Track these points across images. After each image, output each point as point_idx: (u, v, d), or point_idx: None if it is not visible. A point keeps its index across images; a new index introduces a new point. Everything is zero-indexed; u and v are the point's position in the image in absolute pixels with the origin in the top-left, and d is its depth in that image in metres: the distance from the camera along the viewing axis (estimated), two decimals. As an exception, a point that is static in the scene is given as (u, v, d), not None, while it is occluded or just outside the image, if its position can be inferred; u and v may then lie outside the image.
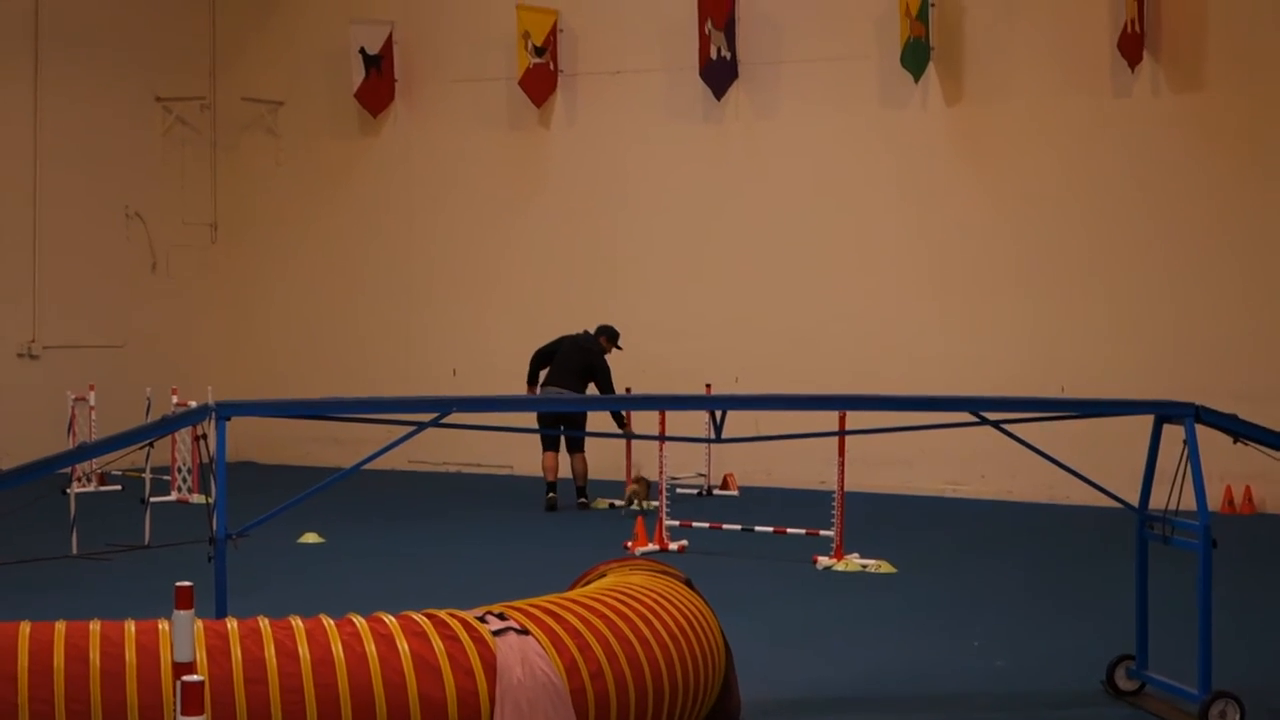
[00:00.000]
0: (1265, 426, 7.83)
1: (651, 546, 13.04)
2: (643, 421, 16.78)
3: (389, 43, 20.31)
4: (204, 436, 7.31)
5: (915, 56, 17.30)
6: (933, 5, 17.26)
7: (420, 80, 20.40)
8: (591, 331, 16.38)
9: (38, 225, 19.42)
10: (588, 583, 7.24)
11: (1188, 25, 16.65)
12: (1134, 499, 7.99)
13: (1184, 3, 16.64)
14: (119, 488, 17.15)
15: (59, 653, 5.58)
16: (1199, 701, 7.33)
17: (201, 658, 5.62)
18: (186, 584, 4.47)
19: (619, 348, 16.39)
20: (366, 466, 7.88)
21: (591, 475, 16.38)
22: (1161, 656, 7.98)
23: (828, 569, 12.18)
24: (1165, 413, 7.74)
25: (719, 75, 18.55)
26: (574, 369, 15.93)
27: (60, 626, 5.72)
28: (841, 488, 12.51)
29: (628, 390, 16.41)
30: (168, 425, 7.62)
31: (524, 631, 6.10)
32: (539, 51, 19.33)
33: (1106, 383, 15.77)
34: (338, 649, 5.81)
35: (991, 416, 7.93)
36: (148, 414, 16.12)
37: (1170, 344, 16.54)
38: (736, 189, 18.66)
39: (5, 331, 19.08)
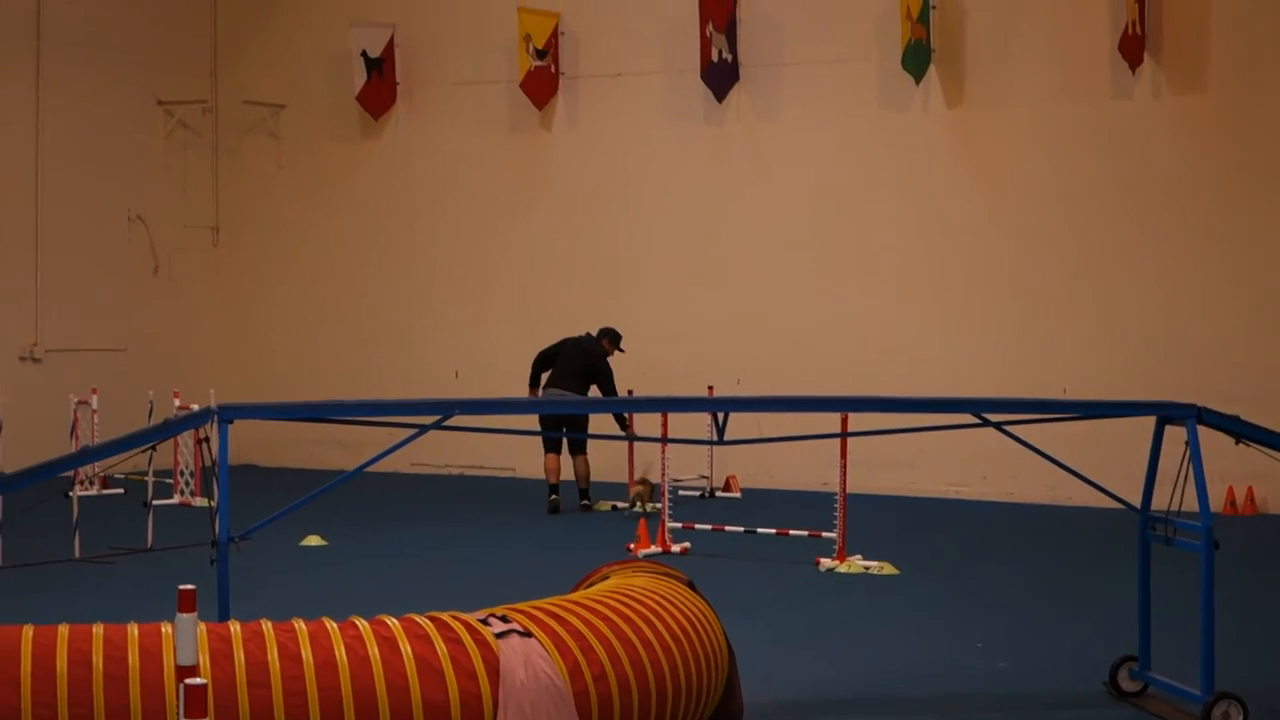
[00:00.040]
0: (1267, 428, 7.83)
1: (654, 549, 13.04)
2: (645, 423, 16.79)
3: (390, 45, 20.32)
4: (206, 439, 7.32)
5: (916, 59, 17.29)
6: (934, 7, 17.26)
7: (422, 83, 20.41)
8: (594, 334, 16.38)
9: (40, 228, 19.43)
10: (590, 585, 7.24)
11: (1189, 27, 16.64)
12: (1136, 500, 7.98)
13: (1185, 5, 16.64)
14: (121, 491, 17.17)
15: (62, 656, 5.58)
16: (1202, 703, 7.33)
17: (204, 661, 5.62)
18: (189, 587, 4.48)
19: (621, 350, 16.40)
20: (369, 469, 7.88)
21: (594, 477, 16.38)
22: (1164, 657, 7.98)
23: (830, 571, 12.18)
24: (1167, 414, 7.74)
25: (720, 77, 18.56)
26: (576, 371, 15.93)
27: (63, 630, 5.73)
28: (844, 489, 12.51)
29: (630, 392, 16.42)
30: (170, 428, 7.63)
31: (527, 634, 6.10)
32: (540, 54, 19.34)
33: (1108, 385, 15.75)
34: (340, 652, 5.82)
35: (993, 418, 7.93)
36: (150, 417, 16.12)
37: (1170, 347, 16.53)
38: (738, 191, 18.66)
39: (7, 334, 19.08)
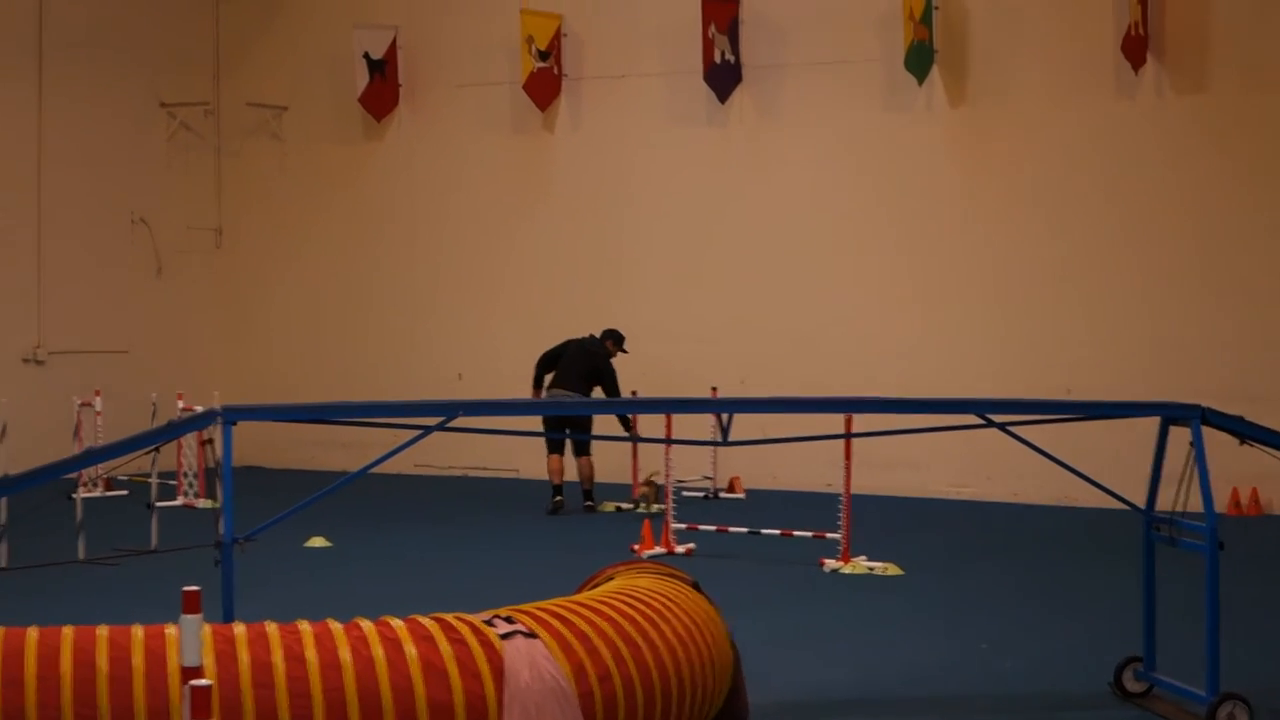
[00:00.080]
0: (1271, 428, 7.82)
1: (658, 549, 13.04)
2: (649, 424, 16.78)
3: (393, 47, 20.32)
4: (210, 441, 7.33)
5: (919, 59, 17.29)
6: (936, 8, 17.25)
7: (424, 85, 20.41)
8: (597, 335, 16.39)
9: (42, 230, 19.44)
10: (595, 586, 7.24)
11: (1192, 28, 16.63)
12: (1140, 501, 7.98)
13: (1188, 6, 16.63)
14: (125, 493, 17.16)
15: (66, 657, 5.58)
16: (1207, 703, 7.32)
17: (209, 662, 5.62)
18: (194, 588, 4.48)
19: (624, 351, 16.40)
20: (373, 471, 7.88)
21: (598, 478, 16.38)
22: (1169, 658, 7.97)
23: (835, 571, 12.18)
24: (1172, 414, 7.74)
25: (723, 79, 18.56)
26: (580, 372, 15.94)
27: (68, 631, 5.73)
28: (848, 490, 12.51)
29: (634, 393, 16.42)
30: (174, 430, 7.64)
31: (531, 635, 6.10)
32: (543, 56, 19.34)
33: (1113, 385, 15.74)
34: (345, 653, 5.82)
35: (998, 419, 7.92)
36: (153, 419, 16.13)
37: (1175, 347, 16.51)
38: (741, 192, 18.66)
39: (11, 337, 19.09)
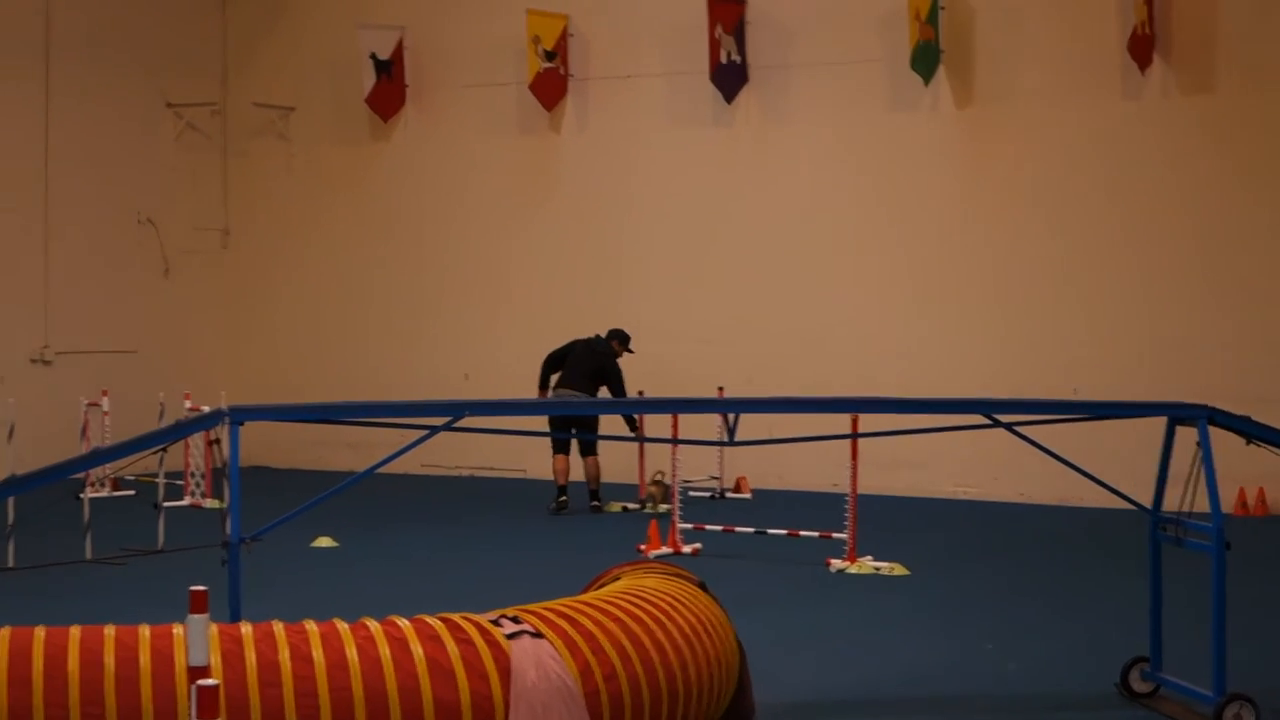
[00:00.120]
0: (1278, 428, 7.82)
1: (665, 549, 13.04)
2: (655, 424, 16.79)
3: (399, 48, 20.33)
4: (217, 441, 7.34)
5: (925, 59, 17.28)
6: (942, 8, 17.24)
7: (431, 85, 20.43)
8: (603, 335, 16.39)
9: (49, 231, 19.46)
10: (601, 586, 7.24)
11: (1198, 28, 16.62)
12: (1147, 501, 7.98)
13: (1195, 6, 16.61)
14: (132, 493, 17.19)
15: (74, 657, 5.59)
16: (1214, 703, 7.32)
17: (216, 661, 5.62)
18: (201, 588, 4.48)
19: (630, 351, 16.40)
20: (379, 471, 7.88)
21: (604, 478, 16.38)
22: (1176, 659, 7.97)
23: (841, 571, 12.18)
24: (1178, 415, 7.73)
25: (729, 79, 18.56)
26: (585, 372, 15.95)
27: (75, 631, 5.73)
28: (854, 490, 12.50)
29: (640, 393, 16.42)
30: (181, 430, 7.65)
31: (538, 635, 6.10)
32: (549, 56, 19.35)
33: (1115, 386, 15.73)
34: (352, 652, 5.82)
35: (1004, 418, 7.92)
36: (160, 419, 16.14)
37: (1181, 348, 16.50)
38: (747, 192, 18.66)
39: (18, 337, 19.11)
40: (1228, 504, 14.59)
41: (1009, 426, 7.90)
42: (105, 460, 11.99)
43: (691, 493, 16.44)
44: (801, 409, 9.78)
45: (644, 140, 19.18)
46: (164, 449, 7.94)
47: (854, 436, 10.87)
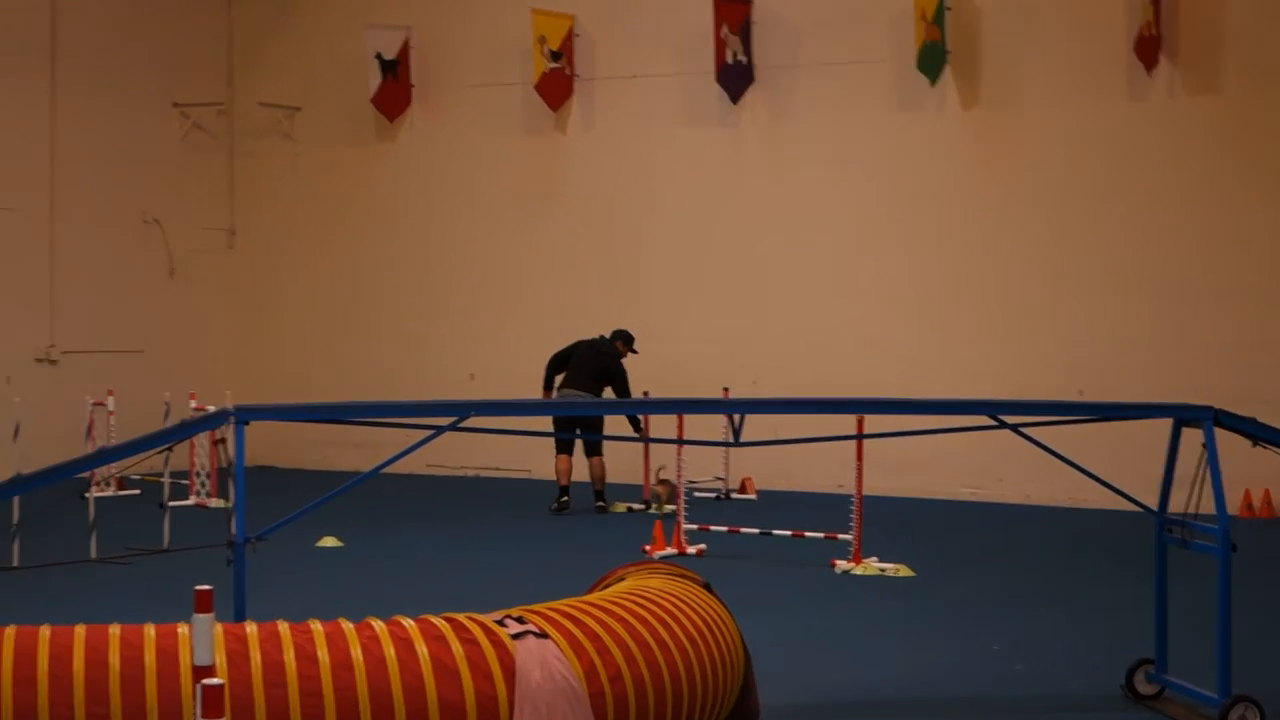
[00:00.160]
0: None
1: (670, 550, 13.04)
2: (660, 425, 16.78)
3: (405, 48, 20.34)
4: (222, 441, 7.34)
5: (931, 60, 17.28)
6: (949, 9, 17.23)
7: (437, 85, 20.43)
8: (607, 336, 16.39)
9: (55, 231, 19.49)
10: (606, 586, 7.24)
11: (1205, 29, 16.60)
12: (1153, 503, 7.97)
13: (1201, 6, 16.60)
14: (138, 492, 17.21)
15: (79, 656, 5.59)
16: (1219, 705, 7.31)
17: (221, 661, 5.63)
18: (206, 587, 4.48)
19: (635, 351, 16.40)
20: (384, 471, 7.88)
21: (609, 479, 16.38)
22: (1181, 661, 7.96)
23: (846, 573, 12.17)
24: (1184, 416, 7.72)
25: (735, 79, 18.56)
26: (590, 373, 15.95)
27: (80, 630, 5.74)
28: (860, 491, 12.49)
29: (645, 394, 16.42)
30: (186, 430, 7.64)
31: (543, 635, 6.10)
32: (555, 56, 19.35)
33: (1118, 387, 15.72)
34: (357, 652, 5.82)
35: (1010, 420, 7.91)
36: (166, 419, 16.16)
37: (1187, 349, 16.48)
38: (753, 192, 18.66)
39: (24, 337, 19.13)
40: (1233, 506, 14.51)
41: (1015, 428, 7.89)
42: (111, 460, 11.99)
43: (697, 493, 16.44)
44: (807, 410, 9.76)
45: (650, 141, 19.18)
46: (170, 448, 7.92)
47: (859, 438, 10.85)
